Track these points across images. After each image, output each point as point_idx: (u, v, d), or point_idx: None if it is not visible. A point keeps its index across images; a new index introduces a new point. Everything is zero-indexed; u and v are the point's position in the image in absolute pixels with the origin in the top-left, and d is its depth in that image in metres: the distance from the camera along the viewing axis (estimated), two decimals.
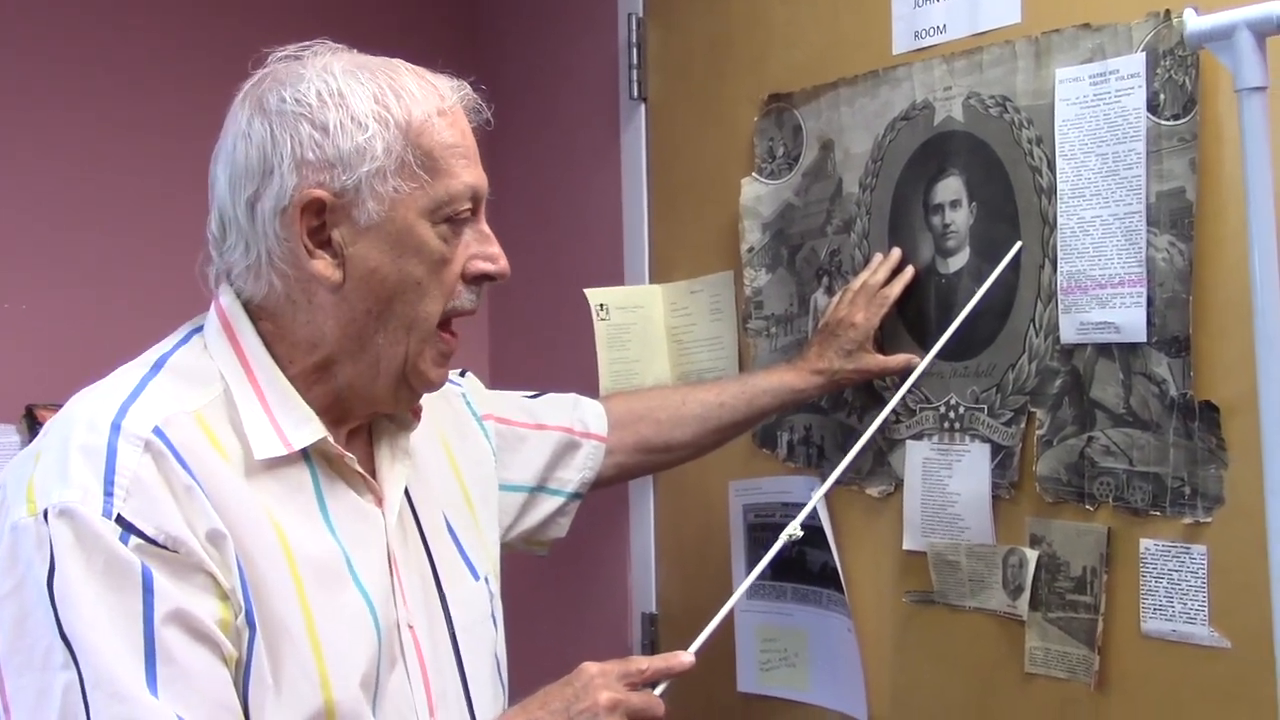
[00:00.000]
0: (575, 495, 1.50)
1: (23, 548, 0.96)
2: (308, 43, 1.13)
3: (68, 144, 1.94)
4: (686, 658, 1.19)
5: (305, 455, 1.11)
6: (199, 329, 1.14)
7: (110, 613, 0.95)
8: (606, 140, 2.03)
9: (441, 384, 1.17)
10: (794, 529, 1.32)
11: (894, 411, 1.58)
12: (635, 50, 1.96)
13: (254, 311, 1.12)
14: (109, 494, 0.97)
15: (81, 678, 0.94)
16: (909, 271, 1.55)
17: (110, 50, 1.97)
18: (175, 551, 0.98)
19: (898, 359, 1.55)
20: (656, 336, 1.90)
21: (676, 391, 1.64)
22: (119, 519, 0.97)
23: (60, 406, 1.08)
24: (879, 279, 1.55)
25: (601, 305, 1.87)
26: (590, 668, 1.12)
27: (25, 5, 1.91)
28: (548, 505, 1.47)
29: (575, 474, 1.49)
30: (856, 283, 1.57)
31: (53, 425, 1.05)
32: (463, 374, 1.46)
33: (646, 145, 1.96)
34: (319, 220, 1.07)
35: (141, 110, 1.99)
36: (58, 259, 1.92)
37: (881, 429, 1.60)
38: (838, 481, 1.64)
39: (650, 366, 1.88)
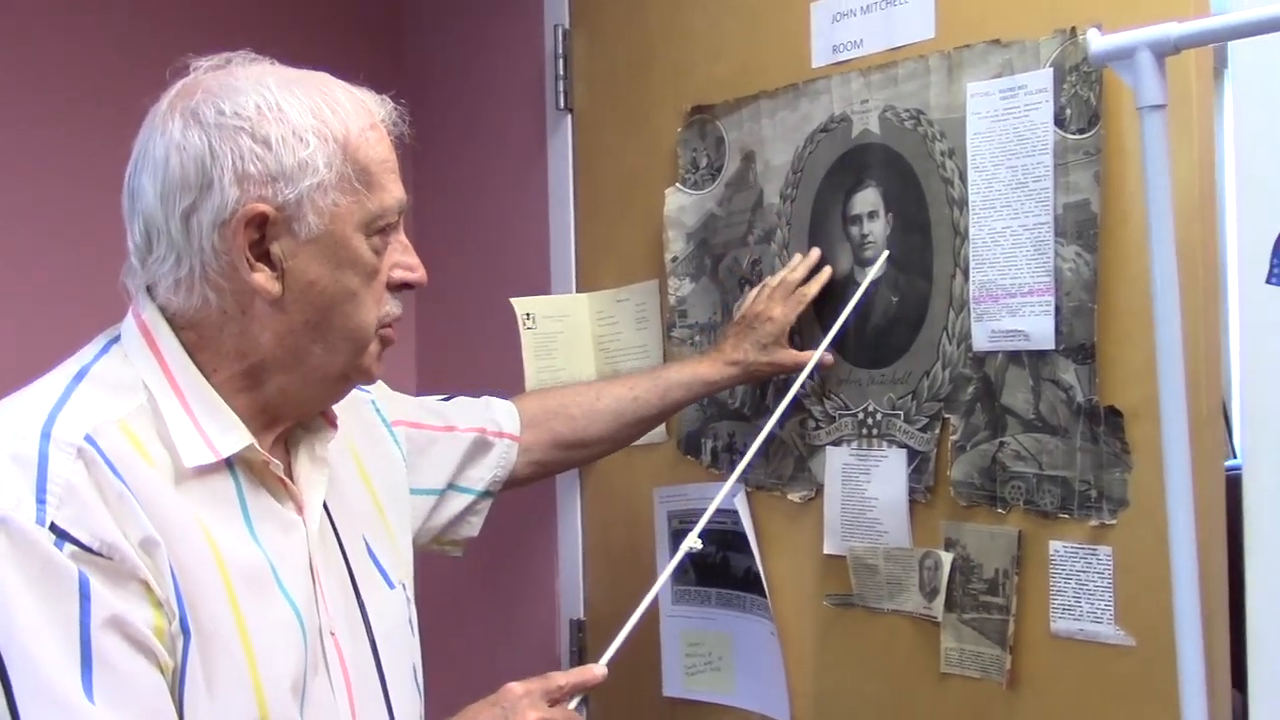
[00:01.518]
0: (486, 493, 1.51)
1: None
2: (230, 53, 1.13)
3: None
4: (599, 670, 1.25)
5: (229, 464, 1.11)
6: (117, 339, 1.13)
7: (47, 620, 0.95)
8: (533, 150, 2.04)
9: (373, 381, 1.21)
10: (692, 541, 1.35)
11: (814, 418, 1.61)
12: (561, 61, 1.97)
13: (175, 321, 1.10)
14: (41, 501, 0.97)
15: (10, 684, 0.93)
16: (826, 271, 1.58)
17: (13, 56, 1.94)
18: (110, 559, 0.98)
19: (812, 354, 1.57)
20: (583, 345, 1.91)
21: (590, 387, 1.65)
22: (53, 526, 0.96)
23: None
24: (798, 276, 1.59)
25: (528, 314, 1.88)
26: (515, 688, 1.16)
27: None
28: (457, 503, 1.48)
29: (486, 472, 1.50)
30: (775, 279, 1.60)
31: None
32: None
33: (573, 155, 1.97)
34: (259, 234, 1.07)
35: (50, 118, 1.95)
36: None
37: (802, 435, 1.63)
38: (760, 487, 1.68)
39: (576, 375, 1.89)
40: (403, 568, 1.32)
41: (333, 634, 1.15)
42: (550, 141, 2.01)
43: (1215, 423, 1.29)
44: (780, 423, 1.64)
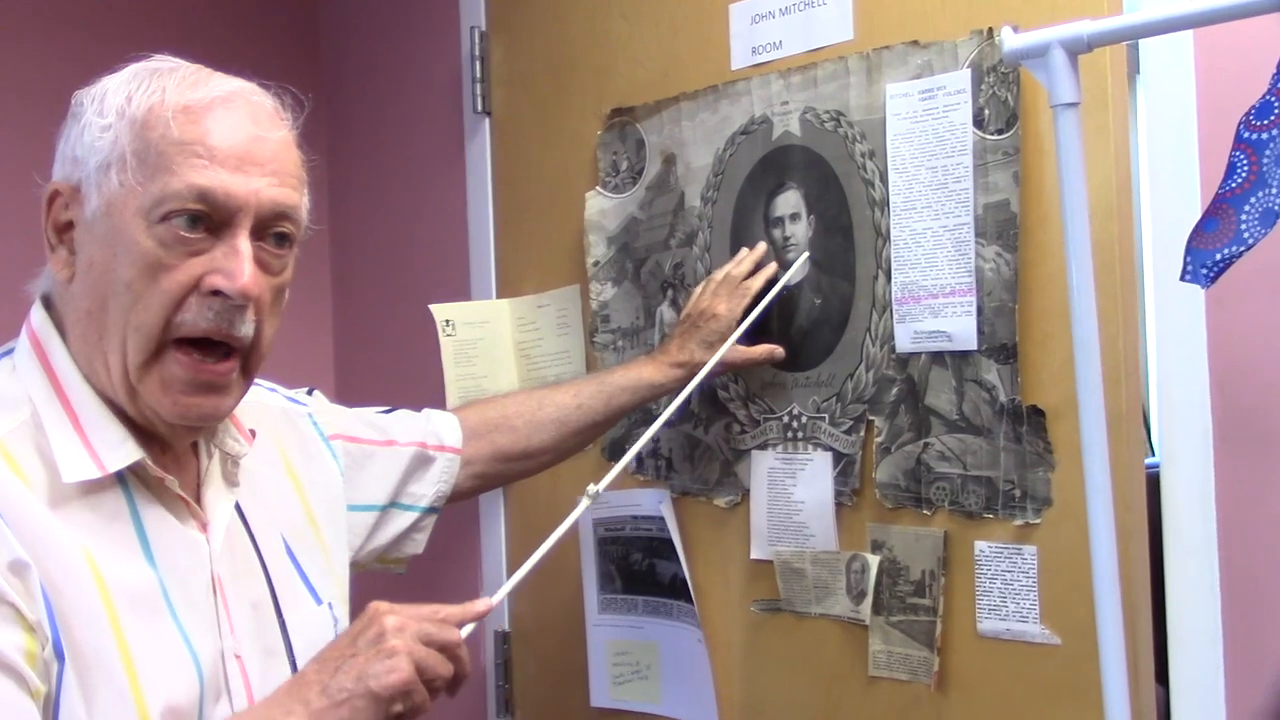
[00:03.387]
0: (430, 510, 1.47)
1: None
2: (151, 55, 1.10)
3: None
4: (485, 602, 1.14)
5: (121, 480, 1.06)
6: (10, 351, 1.09)
7: None
8: (451, 154, 2.01)
9: (194, 416, 1.07)
10: (600, 487, 1.30)
11: (739, 423, 1.60)
12: (479, 63, 1.94)
13: (58, 323, 1.08)
14: None
15: None
16: (772, 266, 1.54)
17: None
18: None
19: (760, 349, 1.53)
20: (504, 351, 1.89)
21: (532, 396, 1.58)
22: None
23: None
24: (742, 271, 1.54)
25: (448, 321, 1.85)
26: (386, 620, 1.04)
27: None
28: (401, 521, 1.44)
29: (429, 488, 1.46)
30: (720, 274, 1.55)
31: None
32: (310, 392, 1.42)
33: (491, 159, 1.95)
34: (66, 216, 1.06)
35: None
36: None
37: (727, 440, 1.61)
38: (686, 492, 1.67)
39: (498, 382, 1.86)
40: (335, 585, 1.28)
41: (237, 657, 1.11)
42: (468, 145, 1.98)
43: (1134, 421, 1.30)
44: (705, 427, 1.64)
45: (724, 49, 1.61)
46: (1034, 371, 1.34)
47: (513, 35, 1.91)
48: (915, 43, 1.41)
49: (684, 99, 1.65)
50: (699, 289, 1.57)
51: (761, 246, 1.56)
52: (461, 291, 1.97)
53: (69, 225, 1.06)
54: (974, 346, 1.37)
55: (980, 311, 1.36)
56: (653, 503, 1.69)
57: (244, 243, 1.04)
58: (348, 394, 2.18)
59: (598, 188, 1.76)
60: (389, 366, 2.15)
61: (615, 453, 1.76)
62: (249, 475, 1.20)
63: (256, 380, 1.21)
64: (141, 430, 1.08)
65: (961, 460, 1.39)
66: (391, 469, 1.43)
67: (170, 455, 1.12)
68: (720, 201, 1.61)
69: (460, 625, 1.09)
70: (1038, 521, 1.34)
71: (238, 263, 1.03)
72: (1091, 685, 1.20)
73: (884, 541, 1.45)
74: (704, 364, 1.50)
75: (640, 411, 1.71)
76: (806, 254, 1.51)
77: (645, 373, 1.54)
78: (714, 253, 1.62)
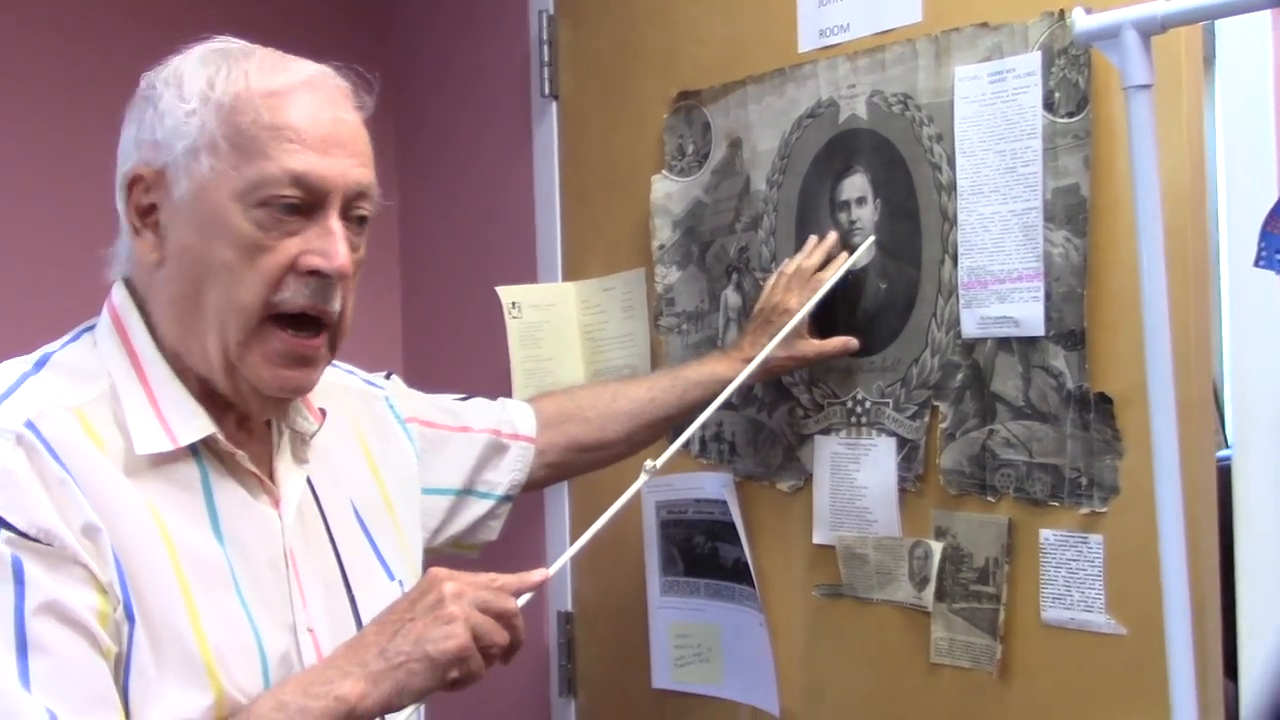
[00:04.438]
0: (505, 498, 1.47)
1: None
2: (214, 36, 1.12)
3: None
4: (541, 573, 1.15)
5: (196, 453, 1.09)
6: (91, 327, 1.13)
7: None
8: (519, 138, 2.02)
9: (290, 388, 1.11)
10: (659, 463, 1.32)
11: (803, 407, 1.60)
12: (546, 47, 1.95)
13: (139, 303, 1.11)
14: None
15: None
16: (844, 256, 1.53)
17: (10, 48, 1.93)
18: (49, 545, 0.97)
19: (834, 342, 1.52)
20: (569, 334, 1.90)
21: (606, 388, 1.59)
22: None
23: None
24: (813, 262, 1.52)
25: (514, 303, 1.87)
26: (445, 586, 1.06)
27: None
28: (477, 509, 1.45)
29: (504, 476, 1.47)
30: (790, 266, 1.54)
31: None
32: (388, 376, 1.44)
33: (558, 143, 1.96)
34: (149, 199, 1.08)
35: (41, 109, 1.95)
36: None
37: (790, 424, 1.61)
38: (749, 476, 1.67)
39: (563, 364, 1.88)
40: (408, 564, 1.30)
41: (310, 630, 1.13)
42: (536, 128, 1.99)
43: (1205, 409, 1.28)
44: (769, 411, 1.64)
45: (791, 31, 1.60)
46: (1102, 358, 1.32)
47: (580, 19, 1.92)
48: (985, 24, 1.39)
49: (750, 82, 1.64)
50: (770, 282, 1.55)
51: (832, 236, 1.54)
52: (528, 274, 1.99)
53: (151, 209, 1.08)
54: (1041, 332, 1.35)
55: (1048, 297, 1.35)
56: (716, 486, 1.69)
57: (336, 222, 1.07)
58: (415, 374, 2.20)
59: (663, 171, 1.76)
60: (456, 348, 2.17)
61: (676, 432, 1.76)
62: (323, 453, 1.22)
63: (335, 363, 1.27)
64: (218, 406, 1.11)
65: (1027, 447, 1.37)
66: (466, 454, 1.44)
67: (244, 432, 1.15)
68: (785, 185, 1.61)
69: (517, 594, 1.10)
70: (1104, 510, 1.32)
71: (332, 243, 1.06)
72: (1157, 677, 1.18)
73: (948, 528, 1.44)
74: (775, 358, 1.50)
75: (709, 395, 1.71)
76: (872, 238, 1.50)
77: (718, 368, 1.53)
78: (779, 237, 1.62)
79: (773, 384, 1.63)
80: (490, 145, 2.09)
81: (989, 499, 1.41)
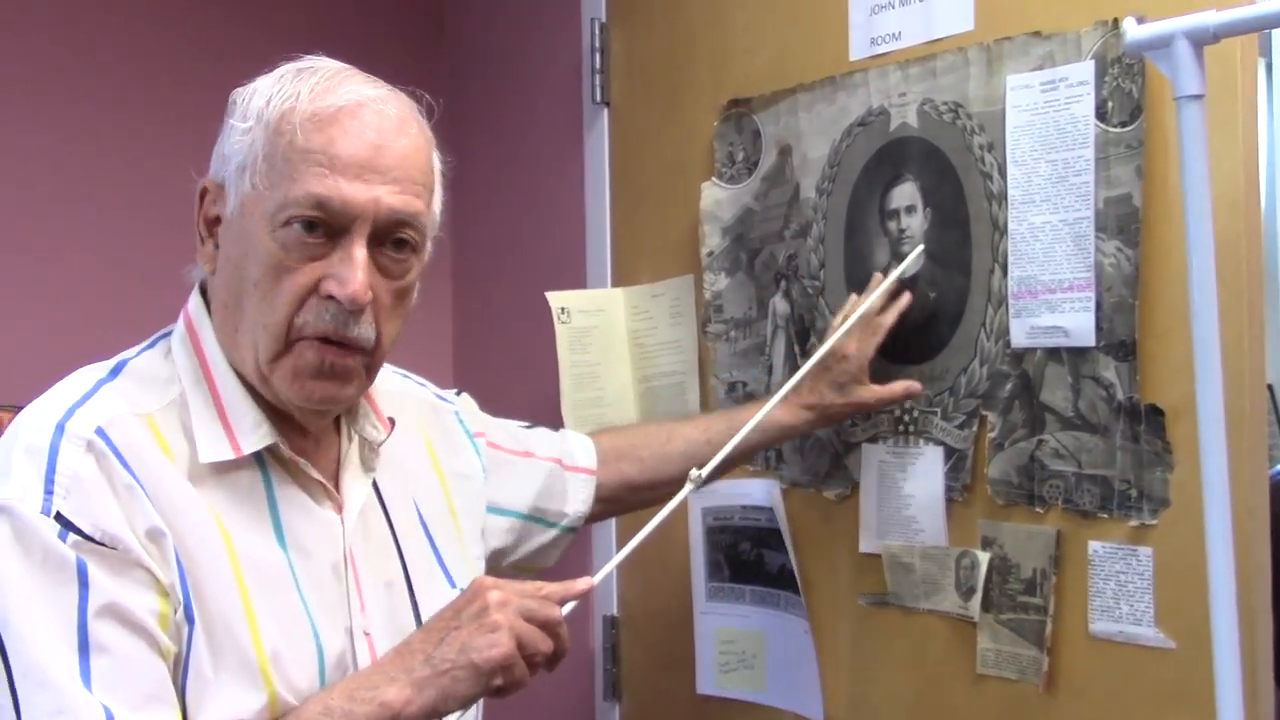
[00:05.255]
0: (569, 529, 1.48)
1: None
2: (313, 56, 1.15)
3: (27, 151, 1.93)
4: (586, 581, 1.15)
5: (260, 460, 1.12)
6: (168, 334, 1.16)
7: (44, 605, 0.97)
8: (570, 144, 2.04)
9: (317, 401, 1.11)
10: (704, 472, 1.31)
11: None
12: (598, 55, 1.97)
13: (210, 311, 1.15)
14: (49, 492, 0.99)
15: (10, 668, 0.96)
16: (905, 298, 1.50)
17: (82, 54, 1.97)
18: (113, 548, 1.00)
19: (896, 388, 1.49)
20: (618, 339, 1.91)
21: (662, 428, 1.58)
22: (58, 516, 0.99)
23: (10, 408, 1.09)
24: (876, 306, 1.49)
25: (563, 309, 1.88)
26: (490, 595, 1.07)
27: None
28: (540, 537, 1.46)
29: (569, 507, 1.47)
30: (852, 311, 1.50)
31: (10, 426, 1.07)
32: (458, 393, 1.45)
33: (609, 149, 1.97)
34: (214, 211, 1.12)
35: (109, 119, 1.99)
36: (7, 262, 1.91)
37: (838, 432, 1.61)
38: (795, 484, 1.67)
39: (611, 370, 1.89)
40: (469, 574, 1.30)
41: (367, 634, 1.15)
42: (587, 135, 2.00)
43: (1258, 422, 1.27)
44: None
45: (842, 39, 1.60)
46: (1154, 369, 1.31)
47: (632, 26, 1.93)
48: (1037, 33, 1.39)
49: (801, 90, 1.65)
50: (835, 326, 1.51)
51: (890, 279, 1.50)
52: (577, 280, 2.00)
53: (217, 220, 1.12)
54: (1092, 343, 1.34)
55: (1099, 307, 1.34)
56: (762, 493, 1.69)
57: (359, 250, 1.06)
58: (464, 377, 2.23)
59: (713, 178, 1.77)
60: (506, 352, 2.19)
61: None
62: (391, 460, 1.24)
63: (407, 374, 1.33)
64: (281, 414, 1.13)
65: (1076, 458, 1.36)
66: (530, 480, 1.44)
67: (310, 438, 1.17)
68: (835, 193, 1.61)
69: (561, 603, 1.11)
70: (1154, 523, 1.31)
71: (350, 270, 1.05)
72: (1207, 691, 1.17)
73: (994, 538, 1.44)
74: (834, 404, 1.49)
75: (749, 401, 1.72)
76: (921, 246, 1.50)
77: (776, 413, 1.48)
78: (828, 244, 1.62)
79: None
80: (542, 151, 2.11)
81: (1037, 510, 1.40)
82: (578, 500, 1.48)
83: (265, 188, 1.06)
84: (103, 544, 0.99)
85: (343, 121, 1.06)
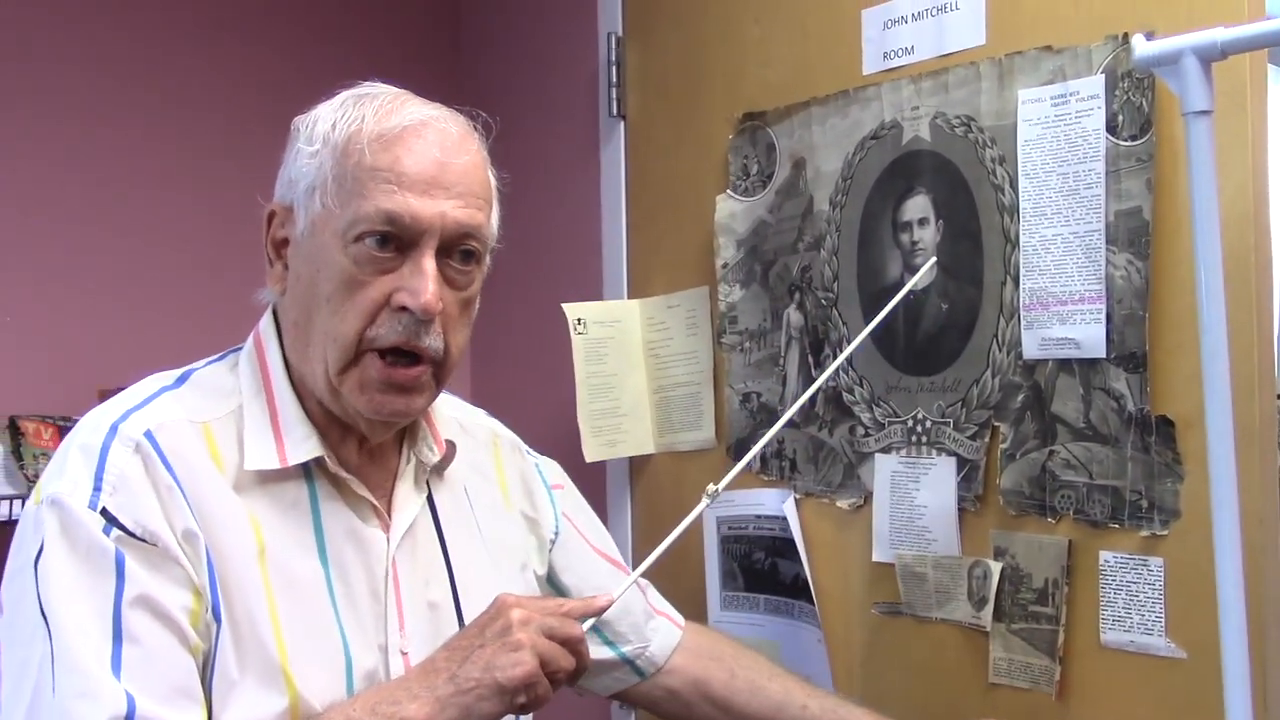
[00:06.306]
0: (628, 660, 1.40)
1: (27, 531, 1.05)
2: (377, 84, 1.18)
3: (62, 156, 1.96)
4: (605, 599, 1.17)
5: (308, 474, 1.14)
6: (239, 349, 1.20)
7: (83, 593, 1.01)
8: (586, 157, 2.06)
9: (386, 413, 1.13)
10: (720, 486, 1.31)
11: (863, 425, 1.61)
12: (615, 68, 1.99)
13: (279, 329, 1.18)
14: (97, 488, 1.04)
15: (53, 650, 0.99)
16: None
17: (126, 67, 2.01)
18: (153, 545, 1.04)
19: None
20: (634, 350, 1.92)
21: (771, 666, 1.45)
22: (103, 511, 1.03)
23: (43, 418, 1.11)
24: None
25: (579, 320, 1.90)
26: (513, 613, 1.08)
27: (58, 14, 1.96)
28: (598, 652, 1.34)
29: (639, 638, 1.40)
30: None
31: (77, 424, 1.12)
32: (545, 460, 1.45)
33: (625, 162, 1.99)
34: (283, 234, 1.15)
35: (145, 128, 2.02)
36: (43, 270, 1.94)
37: (851, 442, 1.62)
38: (809, 494, 1.68)
39: (627, 380, 1.90)
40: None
41: (404, 654, 1.16)
42: (603, 148, 2.02)
43: (1269, 433, 1.27)
44: (830, 429, 1.65)
45: (855, 54, 1.62)
46: (1164, 381, 1.32)
47: (648, 41, 1.95)
48: (1048, 48, 1.40)
49: (814, 104, 1.66)
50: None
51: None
52: (594, 291, 2.02)
53: (284, 242, 1.15)
54: (1103, 354, 1.36)
55: (1110, 319, 1.35)
56: (776, 503, 1.71)
57: (429, 262, 1.09)
58: (481, 387, 2.25)
59: (728, 191, 1.79)
60: (521, 362, 2.21)
61: (740, 452, 1.78)
62: (456, 483, 1.27)
63: (496, 419, 1.41)
64: (341, 429, 1.16)
65: (1087, 469, 1.37)
66: (598, 573, 1.40)
67: (366, 454, 1.19)
68: (849, 206, 1.62)
69: (582, 619, 1.13)
70: (1165, 533, 1.32)
71: (422, 281, 1.09)
72: (1218, 702, 1.18)
73: (1006, 548, 1.45)
74: None
75: (764, 412, 1.73)
76: (933, 258, 1.52)
77: None
78: (841, 257, 1.63)
79: (834, 402, 1.64)
80: (559, 164, 2.13)
81: (1049, 520, 1.41)
82: (654, 632, 1.41)
83: (336, 206, 1.09)
84: (143, 540, 1.03)
85: (408, 140, 1.10)
